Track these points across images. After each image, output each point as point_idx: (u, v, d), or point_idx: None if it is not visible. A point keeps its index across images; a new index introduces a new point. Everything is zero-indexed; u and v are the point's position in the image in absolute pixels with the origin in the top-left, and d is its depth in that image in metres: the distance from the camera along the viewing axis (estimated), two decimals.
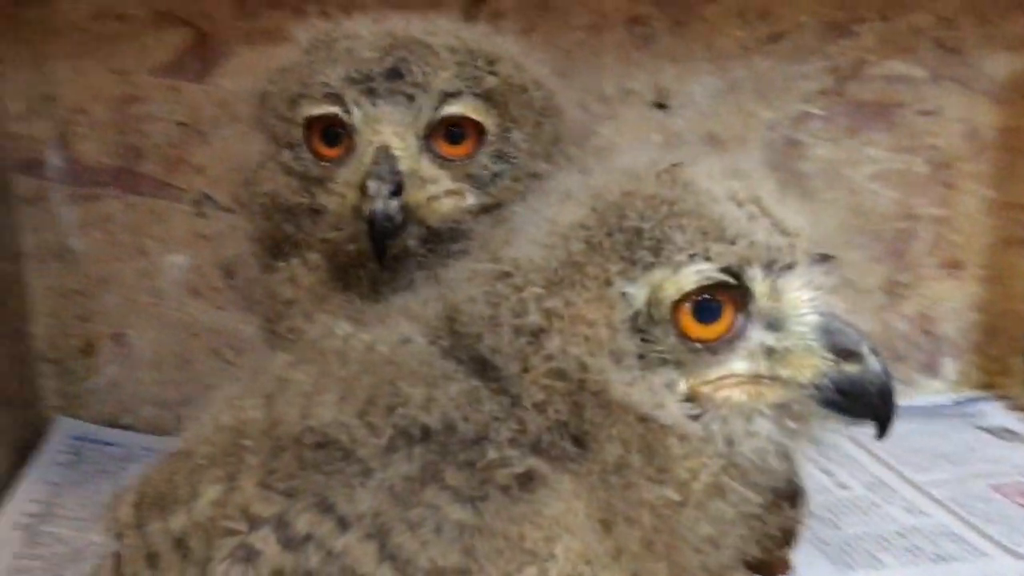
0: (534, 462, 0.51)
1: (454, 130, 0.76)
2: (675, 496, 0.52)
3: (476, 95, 0.75)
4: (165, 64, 1.28)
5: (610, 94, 1.40)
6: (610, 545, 0.52)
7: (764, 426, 0.53)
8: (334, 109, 0.72)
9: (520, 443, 0.52)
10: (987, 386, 1.58)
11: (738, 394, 0.53)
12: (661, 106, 1.42)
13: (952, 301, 1.55)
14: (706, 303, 0.53)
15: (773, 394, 0.54)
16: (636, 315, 0.52)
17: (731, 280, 0.52)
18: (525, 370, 0.52)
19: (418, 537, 0.49)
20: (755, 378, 0.54)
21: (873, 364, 0.53)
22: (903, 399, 1.40)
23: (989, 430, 1.45)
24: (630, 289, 0.52)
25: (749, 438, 0.53)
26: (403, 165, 0.72)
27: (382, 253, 0.69)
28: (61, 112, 1.29)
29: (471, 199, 0.76)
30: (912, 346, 1.56)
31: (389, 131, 0.72)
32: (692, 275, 0.52)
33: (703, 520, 0.53)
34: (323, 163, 0.74)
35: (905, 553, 1.11)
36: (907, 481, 1.29)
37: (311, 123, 0.73)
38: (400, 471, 0.51)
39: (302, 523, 0.51)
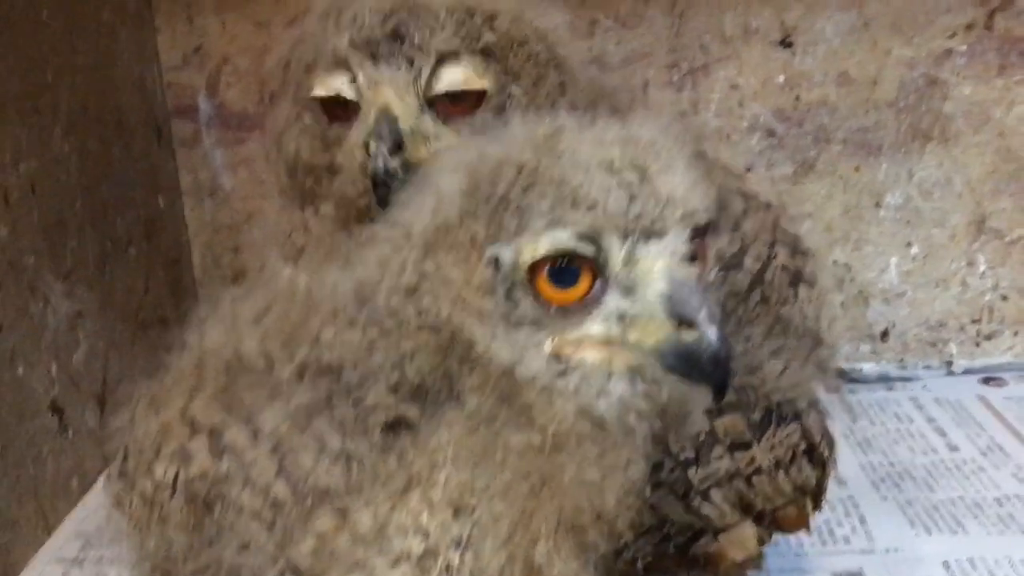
0: (409, 408, 0.56)
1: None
2: (537, 441, 0.55)
3: (474, 52, 0.77)
4: (299, 16, 1.38)
5: (731, 33, 1.36)
6: (492, 484, 0.56)
7: (618, 387, 0.55)
8: (341, 77, 0.77)
9: (400, 390, 0.57)
10: None
11: (594, 355, 0.55)
12: (786, 44, 1.37)
13: None
14: (563, 268, 0.54)
15: (625, 357, 0.55)
16: (502, 278, 0.55)
17: (586, 247, 0.54)
18: (400, 326, 0.56)
19: (307, 459, 0.56)
20: (609, 341, 0.55)
21: (708, 333, 0.53)
22: None
23: None
24: (497, 253, 0.54)
25: (604, 397, 0.55)
26: (403, 124, 0.76)
27: (385, 206, 0.74)
28: (209, 62, 1.42)
29: None
30: None
31: (390, 92, 0.76)
32: (546, 241, 0.53)
33: (577, 465, 0.56)
34: (337, 125, 0.79)
35: (997, 522, 1.06)
36: None
37: (320, 89, 0.78)
38: (302, 399, 0.58)
39: (228, 435, 0.59)
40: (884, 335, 1.47)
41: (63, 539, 1.08)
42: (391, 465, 0.56)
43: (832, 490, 1.11)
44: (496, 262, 0.54)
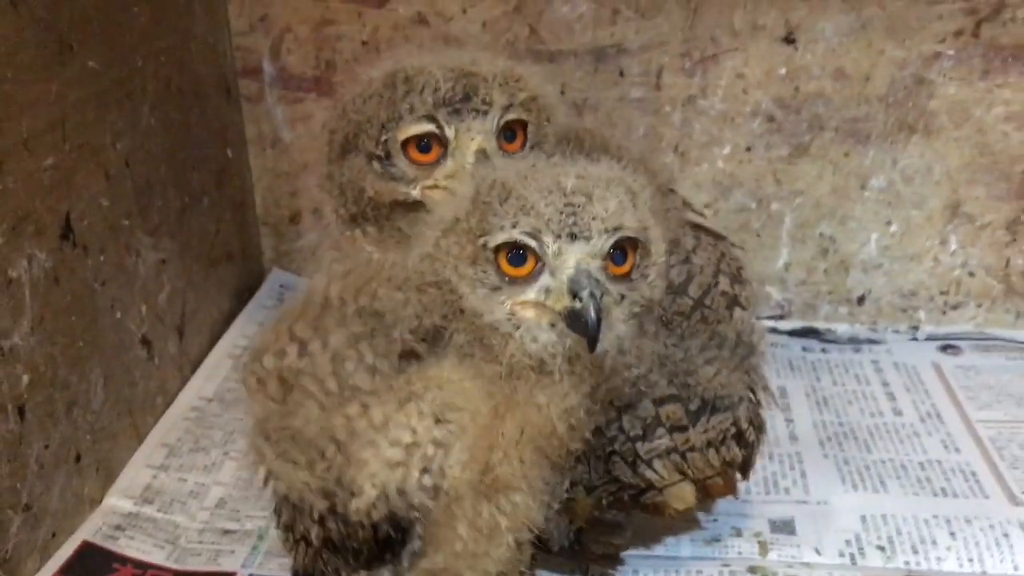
0: (419, 345, 0.85)
1: (509, 131, 1.00)
2: (499, 371, 0.83)
3: (519, 105, 1.00)
4: None
5: (740, 28, 1.51)
6: (466, 404, 0.83)
7: (543, 334, 0.82)
8: (430, 127, 0.98)
9: (416, 334, 0.85)
10: None
11: (529, 313, 0.82)
12: (790, 41, 1.51)
13: None
14: (516, 252, 0.81)
15: (547, 316, 0.82)
16: (481, 254, 0.82)
17: (528, 240, 0.80)
18: (420, 277, 0.85)
19: (351, 366, 0.84)
20: (538, 305, 0.82)
21: (587, 304, 0.78)
22: (1010, 331, 1.52)
23: None
24: (483, 240, 0.81)
25: (534, 341, 0.82)
26: (492, 156, 0.98)
27: None
28: (273, 30, 1.59)
29: None
30: None
31: (480, 138, 0.98)
32: (505, 233, 0.80)
33: (528, 391, 0.84)
34: (419, 166, 0.99)
35: (915, 483, 1.26)
36: (961, 416, 1.41)
37: (408, 139, 0.98)
38: (356, 328, 0.85)
39: (311, 345, 0.86)
40: (860, 300, 1.66)
41: (151, 448, 1.34)
42: (400, 382, 0.84)
43: (784, 445, 1.35)
44: (484, 245, 0.81)
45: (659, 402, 0.97)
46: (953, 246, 1.61)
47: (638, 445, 0.96)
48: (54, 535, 1.15)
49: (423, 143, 0.99)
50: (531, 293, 0.82)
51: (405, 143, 0.99)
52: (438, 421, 0.83)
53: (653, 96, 1.56)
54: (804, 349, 1.60)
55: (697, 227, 1.05)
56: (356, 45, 1.58)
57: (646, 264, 0.86)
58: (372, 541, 0.85)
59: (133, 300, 1.32)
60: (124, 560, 1.15)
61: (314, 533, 0.87)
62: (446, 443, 0.83)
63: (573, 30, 1.54)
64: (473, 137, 0.97)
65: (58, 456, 1.15)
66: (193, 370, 1.49)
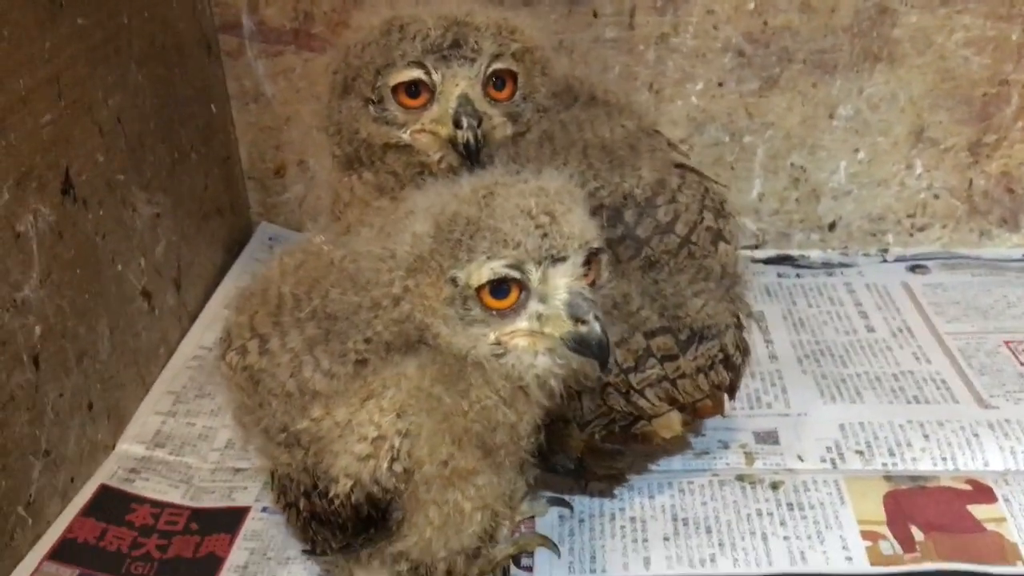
0: (372, 354, 0.84)
1: (498, 80, 1.03)
2: (465, 406, 0.83)
3: (509, 55, 1.03)
4: None
5: None
6: (420, 405, 0.83)
7: (541, 361, 0.82)
8: (418, 72, 1.01)
9: (370, 343, 0.83)
10: None
11: (523, 342, 0.81)
12: None
13: None
14: (499, 285, 0.80)
15: (544, 343, 0.81)
16: (459, 293, 0.80)
17: (513, 272, 0.79)
18: (377, 316, 0.83)
19: (308, 370, 0.85)
20: (533, 333, 0.81)
21: (594, 326, 0.79)
22: (975, 249, 1.59)
23: None
24: (455, 276, 0.80)
25: (531, 368, 0.82)
26: (478, 106, 1.01)
27: (476, 162, 0.99)
28: None
29: (509, 129, 1.05)
30: (993, 202, 1.69)
31: (465, 84, 1.01)
32: (487, 270, 0.79)
33: (480, 404, 0.84)
34: (408, 110, 1.03)
35: (888, 393, 1.34)
36: (931, 329, 1.48)
37: (398, 84, 1.02)
38: (311, 332, 0.86)
39: (271, 342, 0.88)
40: (832, 226, 1.72)
41: (158, 396, 1.38)
42: (358, 384, 0.84)
43: (764, 364, 1.42)
44: (454, 281, 0.80)
45: (650, 335, 1.03)
46: (919, 170, 1.67)
47: (631, 376, 1.02)
48: (72, 480, 1.19)
49: (412, 88, 1.02)
50: (521, 322, 0.80)
51: (396, 88, 1.03)
52: (399, 415, 0.83)
53: (626, 35, 1.60)
54: (780, 275, 1.67)
55: (681, 166, 1.09)
56: None
57: (601, 270, 0.87)
58: (354, 518, 0.87)
59: (132, 253, 1.35)
60: (142, 500, 1.20)
61: (301, 505, 0.90)
62: (411, 433, 0.83)
63: None
64: (458, 83, 1.01)
65: (72, 404, 1.19)
66: (192, 321, 1.53)
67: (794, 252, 1.73)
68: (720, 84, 1.63)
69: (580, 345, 0.80)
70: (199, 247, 1.58)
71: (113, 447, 1.28)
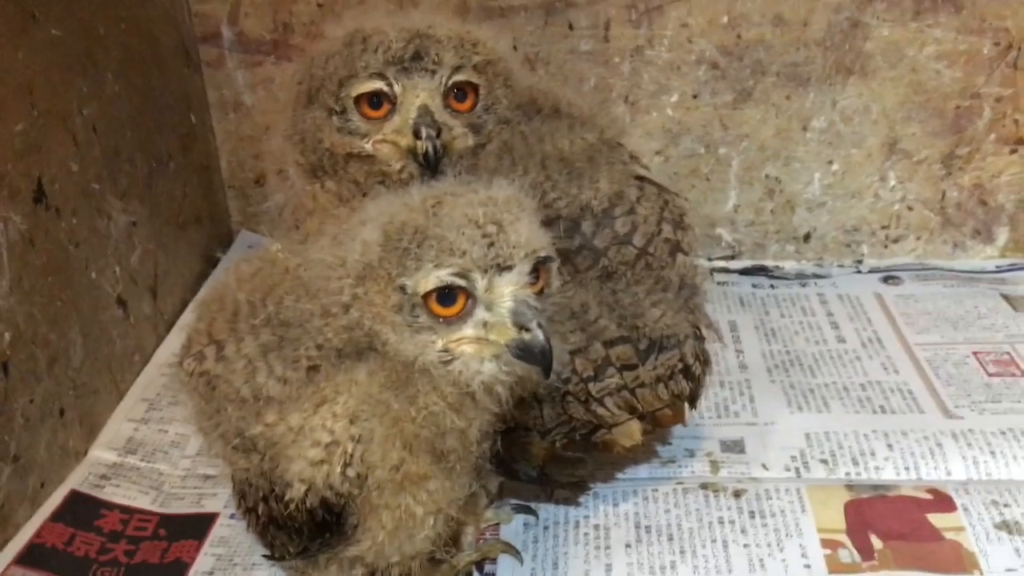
0: (324, 360, 0.85)
1: (459, 92, 1.05)
2: (413, 412, 0.85)
3: (471, 67, 1.04)
4: None
5: None
6: (372, 410, 0.84)
7: (487, 368, 0.83)
8: (379, 84, 1.02)
9: (322, 349, 0.84)
10: None
11: (469, 349, 0.82)
12: None
13: (1010, 174, 1.66)
14: (445, 293, 0.81)
15: (490, 350, 0.82)
16: (407, 300, 0.81)
17: (459, 281, 0.80)
18: (327, 323, 0.84)
19: (262, 377, 0.86)
20: (479, 339, 0.82)
21: (537, 334, 0.80)
22: (948, 261, 1.60)
23: (1011, 298, 1.59)
24: (403, 284, 0.81)
25: (478, 375, 0.83)
26: (438, 117, 1.03)
27: (435, 172, 1.01)
28: None
29: (471, 140, 1.06)
30: (966, 214, 1.70)
31: (425, 95, 1.02)
32: (434, 278, 0.80)
33: (427, 410, 0.85)
34: (370, 121, 1.04)
35: (855, 403, 1.35)
36: (900, 340, 1.50)
37: (360, 95, 1.03)
38: (264, 338, 0.87)
39: (226, 348, 0.89)
40: (807, 237, 1.74)
41: (131, 403, 1.39)
42: (311, 390, 0.85)
43: (734, 374, 1.43)
44: (402, 289, 0.81)
45: (609, 344, 1.04)
46: (892, 182, 1.69)
47: (590, 385, 1.03)
48: (43, 485, 1.20)
49: (374, 99, 1.04)
50: (468, 329, 0.82)
51: (358, 99, 1.04)
52: (352, 420, 0.84)
53: (602, 48, 1.62)
54: (754, 286, 1.68)
55: (642, 179, 1.11)
56: (312, 7, 1.62)
57: (550, 279, 0.88)
58: (310, 523, 0.88)
59: (107, 261, 1.36)
60: (111, 506, 1.21)
61: (260, 510, 0.91)
62: (364, 438, 0.84)
63: None
64: (418, 95, 1.02)
65: (43, 410, 1.20)
66: (168, 329, 1.54)
67: (769, 263, 1.74)
68: (695, 96, 1.64)
69: (524, 352, 0.82)
70: (177, 255, 1.59)
71: (85, 453, 1.29)
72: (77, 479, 1.25)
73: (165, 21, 1.56)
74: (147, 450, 1.31)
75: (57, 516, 1.18)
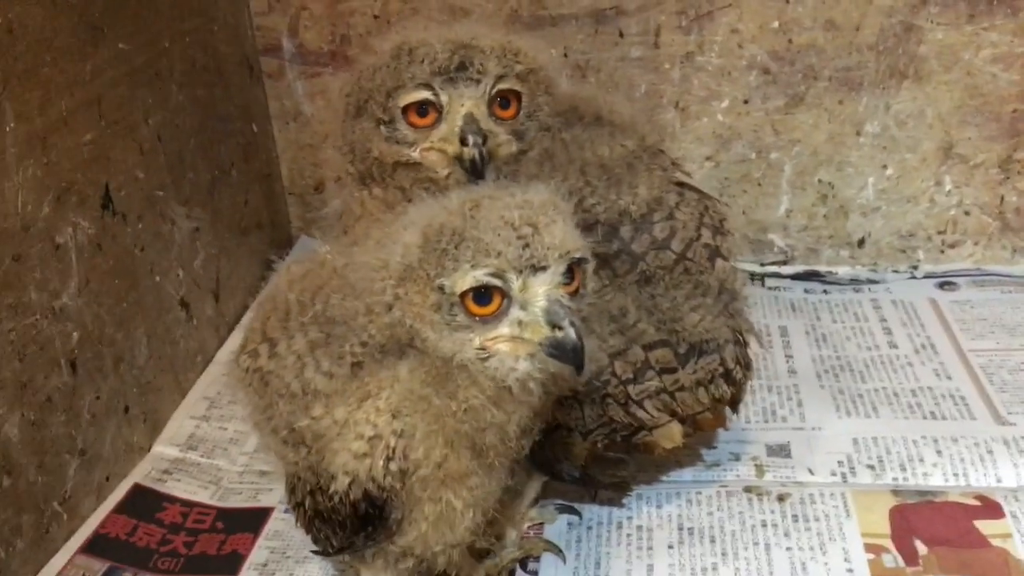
0: (367, 357, 0.88)
1: (503, 100, 1.07)
2: (454, 406, 0.87)
3: (514, 76, 1.07)
4: None
5: None
6: (415, 406, 0.87)
7: (522, 365, 0.85)
8: (426, 93, 1.05)
9: (366, 346, 0.88)
10: None
11: (505, 347, 0.85)
12: None
13: None
14: (482, 292, 0.83)
15: (524, 348, 0.85)
16: (445, 300, 0.84)
17: (494, 281, 0.83)
18: (371, 320, 0.88)
19: (310, 371, 0.89)
20: (514, 338, 0.84)
21: (569, 332, 0.82)
22: (1007, 266, 1.58)
23: None
24: (441, 284, 0.84)
25: (513, 372, 0.85)
26: (483, 125, 1.05)
27: (482, 178, 1.03)
28: (290, 9, 1.69)
29: (515, 146, 1.09)
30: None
31: (471, 104, 1.05)
32: (470, 278, 0.83)
33: (471, 407, 0.87)
34: (417, 130, 1.07)
35: (905, 409, 1.34)
36: (955, 346, 1.48)
37: (408, 105, 1.06)
38: (313, 335, 0.91)
39: (279, 346, 0.93)
40: (861, 243, 1.73)
41: (193, 401, 1.45)
42: (355, 384, 0.88)
43: (783, 379, 1.43)
44: (441, 289, 0.84)
45: (648, 347, 1.05)
46: (948, 187, 1.67)
47: (629, 387, 1.05)
48: (108, 479, 1.26)
49: (422, 108, 1.07)
50: (503, 328, 0.84)
51: (406, 109, 1.07)
52: (395, 415, 0.87)
53: (652, 54, 1.63)
54: (806, 291, 1.68)
55: (682, 185, 1.12)
56: (368, 19, 1.67)
57: (585, 280, 0.90)
58: (353, 516, 0.91)
59: (171, 265, 1.42)
60: (173, 499, 1.27)
61: (307, 503, 0.94)
62: (406, 433, 0.87)
63: None
64: (463, 103, 1.05)
65: (108, 407, 1.26)
66: (229, 331, 1.59)
67: (822, 268, 1.73)
68: (746, 101, 1.65)
69: (557, 350, 0.84)
70: (239, 259, 1.65)
71: (149, 449, 1.35)
72: (140, 473, 1.30)
73: (228, 34, 1.62)
74: (207, 446, 1.36)
75: (121, 508, 1.24)
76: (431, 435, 0.88)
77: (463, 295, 0.84)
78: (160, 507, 1.25)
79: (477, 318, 0.84)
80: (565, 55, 1.63)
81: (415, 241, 0.86)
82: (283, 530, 1.21)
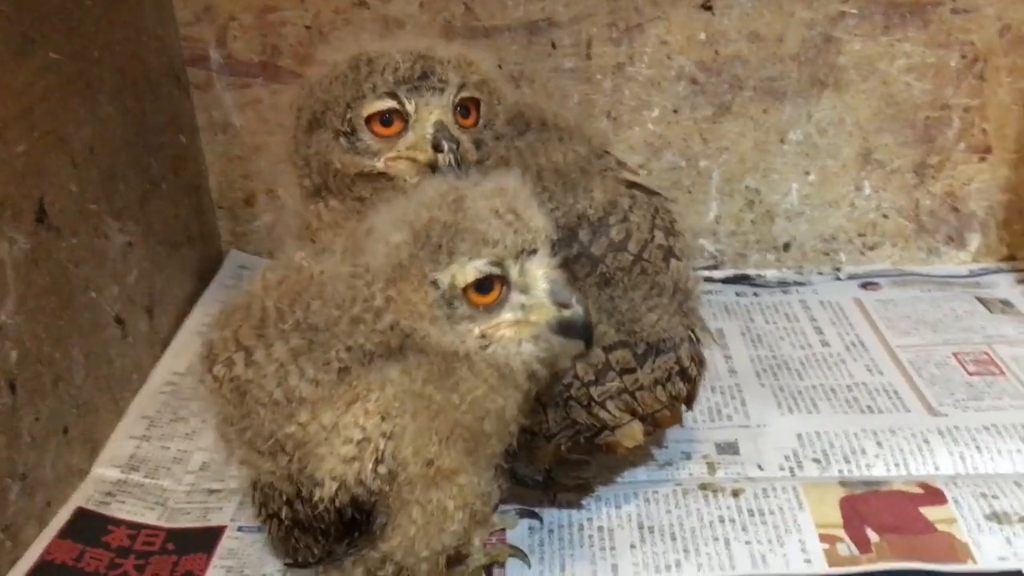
0: (353, 362, 0.87)
1: (464, 108, 1.08)
2: (456, 399, 0.87)
3: (472, 85, 1.08)
4: None
5: None
6: (405, 406, 0.87)
7: (526, 348, 0.87)
8: (391, 103, 1.05)
9: (351, 352, 0.87)
10: (1009, 259, 1.77)
11: (508, 332, 0.86)
12: (707, 8, 1.62)
13: (980, 182, 1.72)
14: (482, 283, 0.84)
15: (528, 330, 0.86)
16: (443, 294, 0.84)
17: (495, 269, 0.84)
18: (358, 329, 0.87)
19: (294, 379, 0.87)
20: (517, 322, 0.86)
21: (577, 309, 0.85)
22: (923, 266, 1.65)
23: (986, 301, 1.65)
24: (436, 278, 0.84)
25: (518, 356, 0.87)
26: (453, 132, 1.05)
27: None
28: (219, 19, 1.65)
29: (474, 154, 1.09)
30: (939, 221, 1.76)
31: (439, 111, 1.05)
32: (472, 270, 0.83)
33: (468, 398, 0.88)
34: (382, 139, 1.06)
35: (843, 404, 1.39)
36: (883, 343, 1.54)
37: (371, 115, 1.05)
38: (295, 343, 0.89)
39: (256, 354, 0.90)
40: (786, 247, 1.79)
41: (132, 421, 1.40)
42: (342, 389, 0.87)
43: (724, 379, 1.47)
44: (436, 283, 0.84)
45: (608, 349, 1.07)
46: (867, 191, 1.74)
47: (592, 389, 1.06)
48: (49, 503, 1.21)
49: (385, 118, 1.06)
50: (506, 314, 0.85)
51: (369, 119, 1.07)
52: (384, 417, 0.86)
53: (584, 65, 1.66)
54: (738, 294, 1.73)
55: (631, 184, 1.15)
56: (299, 29, 1.65)
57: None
58: (339, 522, 0.90)
59: (105, 281, 1.38)
60: (118, 522, 1.22)
61: (284, 514, 0.93)
62: (395, 435, 0.87)
63: (506, 5, 1.63)
64: (432, 111, 1.05)
65: (48, 428, 1.21)
66: (163, 348, 1.55)
67: (751, 272, 1.79)
68: (675, 111, 1.69)
69: (566, 328, 0.86)
70: (171, 275, 1.60)
71: (88, 471, 1.30)
72: (83, 496, 1.25)
73: (156, 44, 1.58)
74: (150, 466, 1.32)
75: (64, 533, 1.19)
76: (424, 433, 0.88)
77: (465, 288, 0.84)
78: (105, 530, 1.20)
79: (479, 308, 0.85)
80: (499, 66, 1.64)
81: (403, 239, 0.85)
82: (237, 548, 1.18)
